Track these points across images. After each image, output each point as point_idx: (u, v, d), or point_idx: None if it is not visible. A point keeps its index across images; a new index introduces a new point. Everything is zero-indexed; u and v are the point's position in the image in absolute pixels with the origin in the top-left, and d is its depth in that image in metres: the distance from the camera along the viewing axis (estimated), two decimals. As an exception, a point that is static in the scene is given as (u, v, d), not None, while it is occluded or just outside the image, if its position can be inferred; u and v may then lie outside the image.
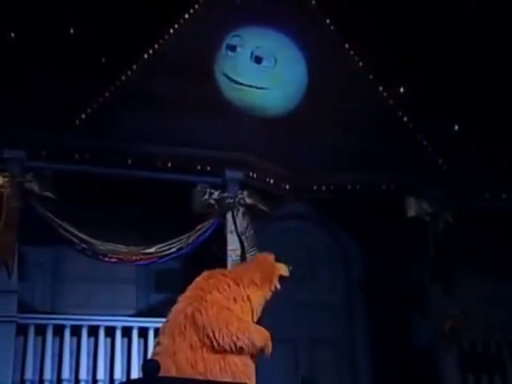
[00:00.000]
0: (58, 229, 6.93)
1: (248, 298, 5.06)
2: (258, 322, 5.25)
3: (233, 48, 8.83)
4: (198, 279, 5.26)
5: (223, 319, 4.82)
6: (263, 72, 8.90)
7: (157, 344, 5.06)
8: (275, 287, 5.27)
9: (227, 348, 4.76)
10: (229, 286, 5.06)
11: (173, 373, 4.67)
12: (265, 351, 4.92)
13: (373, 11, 9.31)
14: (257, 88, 8.81)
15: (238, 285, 5.09)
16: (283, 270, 5.36)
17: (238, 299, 5.01)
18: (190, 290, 5.17)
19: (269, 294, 5.25)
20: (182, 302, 5.11)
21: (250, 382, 4.91)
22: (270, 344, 4.93)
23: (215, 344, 4.77)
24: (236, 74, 8.76)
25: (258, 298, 5.16)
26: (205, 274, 5.28)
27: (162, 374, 4.42)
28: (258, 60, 8.88)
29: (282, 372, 7.83)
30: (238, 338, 4.77)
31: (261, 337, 4.92)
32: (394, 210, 7.91)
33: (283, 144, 8.39)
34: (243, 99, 8.69)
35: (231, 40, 8.86)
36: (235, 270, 5.37)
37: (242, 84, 8.74)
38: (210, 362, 4.75)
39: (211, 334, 4.77)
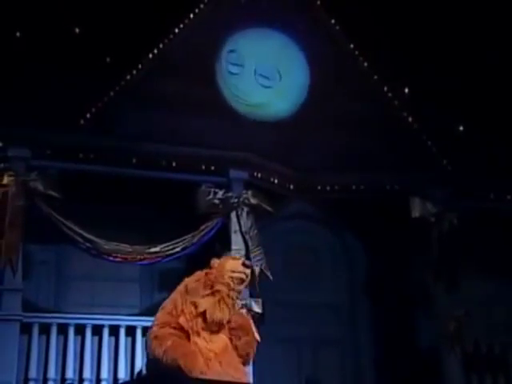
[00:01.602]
0: (63, 228, 6.94)
1: (193, 303, 5.18)
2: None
3: (234, 66, 8.82)
4: None
5: (154, 345, 5.11)
6: (270, 88, 8.90)
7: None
8: (229, 285, 5.34)
9: None
10: (180, 294, 5.24)
11: None
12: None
13: (378, 11, 9.29)
14: (265, 103, 8.82)
15: (187, 293, 5.27)
16: (235, 266, 5.43)
17: (185, 307, 5.17)
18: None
19: (224, 292, 5.30)
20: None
21: None
22: (189, 363, 4.99)
23: None
24: (244, 94, 8.77)
25: (206, 301, 5.25)
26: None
27: None
28: (263, 78, 8.90)
29: (285, 372, 7.82)
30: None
31: (172, 358, 5.05)
32: (399, 211, 7.90)
33: (287, 144, 8.39)
34: (252, 113, 8.69)
35: (230, 58, 8.82)
36: (192, 276, 5.53)
37: (250, 103, 8.75)
38: None
39: None
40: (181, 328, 5.01)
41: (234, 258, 5.52)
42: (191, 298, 5.13)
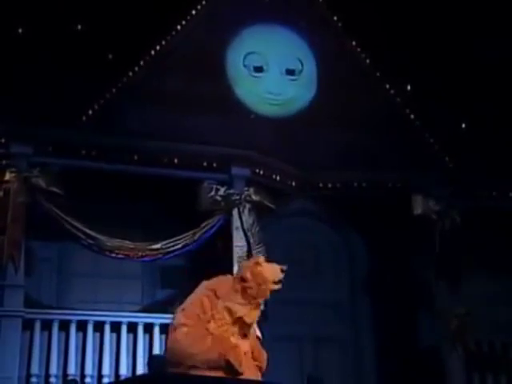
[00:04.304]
0: (65, 224, 6.95)
1: (228, 309, 5.08)
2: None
3: (258, 69, 8.81)
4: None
5: (186, 345, 4.94)
6: (297, 81, 8.91)
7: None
8: (270, 291, 5.24)
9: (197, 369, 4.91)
10: (208, 298, 5.10)
11: None
12: (233, 366, 4.91)
13: (380, 8, 9.27)
14: (296, 98, 8.83)
15: (218, 298, 5.14)
16: (274, 274, 5.27)
17: (216, 313, 5.06)
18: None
19: (261, 300, 5.23)
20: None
21: None
22: (234, 357, 4.92)
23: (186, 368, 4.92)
24: (274, 94, 8.77)
25: (242, 308, 5.16)
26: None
27: None
28: (291, 72, 8.90)
29: (286, 369, 7.81)
30: (196, 360, 4.90)
31: (218, 353, 4.96)
32: (400, 208, 7.89)
33: (290, 141, 8.38)
34: (280, 112, 8.71)
35: (250, 60, 8.81)
36: (220, 282, 5.38)
37: (282, 101, 8.75)
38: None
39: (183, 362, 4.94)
40: (210, 334, 4.92)
41: (271, 264, 5.30)
42: (223, 303, 4.99)
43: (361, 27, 9.03)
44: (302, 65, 8.98)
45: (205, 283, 5.14)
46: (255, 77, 8.81)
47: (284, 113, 8.73)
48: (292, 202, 8.27)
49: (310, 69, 9.03)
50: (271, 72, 8.89)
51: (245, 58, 8.83)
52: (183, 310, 4.99)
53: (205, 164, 7.48)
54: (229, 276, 5.34)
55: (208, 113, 8.17)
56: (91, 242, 7.01)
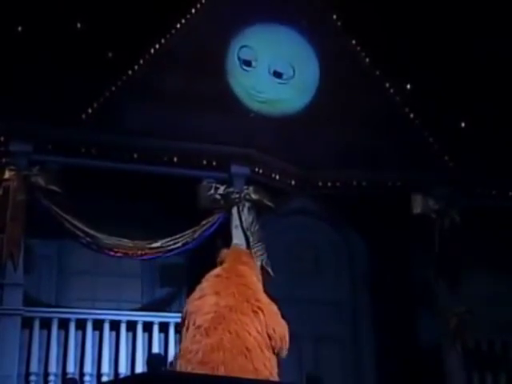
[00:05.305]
0: (64, 222, 6.95)
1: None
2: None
3: (247, 63, 8.81)
4: (222, 274, 5.26)
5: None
6: (285, 85, 8.89)
7: (201, 339, 4.90)
8: None
9: (281, 348, 4.94)
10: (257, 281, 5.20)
11: (249, 369, 4.68)
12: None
13: (380, 7, 9.28)
14: (280, 100, 8.80)
15: (259, 281, 5.26)
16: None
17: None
18: (232, 286, 5.15)
19: None
20: (227, 297, 5.06)
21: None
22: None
23: (274, 343, 4.91)
24: (257, 90, 8.76)
25: None
26: (227, 268, 5.30)
27: (229, 367, 4.43)
28: (278, 75, 8.89)
29: (285, 368, 7.80)
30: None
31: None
32: (400, 207, 7.90)
33: (289, 140, 8.38)
34: (266, 110, 8.69)
35: (242, 53, 8.81)
36: (250, 268, 5.42)
37: (265, 99, 8.74)
38: (272, 362, 4.93)
39: (272, 333, 4.92)
40: None
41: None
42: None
43: (361, 26, 9.03)
44: (294, 70, 8.95)
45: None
46: (245, 70, 8.79)
47: (275, 112, 8.70)
48: (291, 201, 8.27)
49: (307, 70, 9.00)
50: (258, 69, 8.87)
51: (239, 51, 8.82)
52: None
53: (204, 162, 7.49)
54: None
55: (208, 111, 8.16)
56: (90, 240, 7.00)
